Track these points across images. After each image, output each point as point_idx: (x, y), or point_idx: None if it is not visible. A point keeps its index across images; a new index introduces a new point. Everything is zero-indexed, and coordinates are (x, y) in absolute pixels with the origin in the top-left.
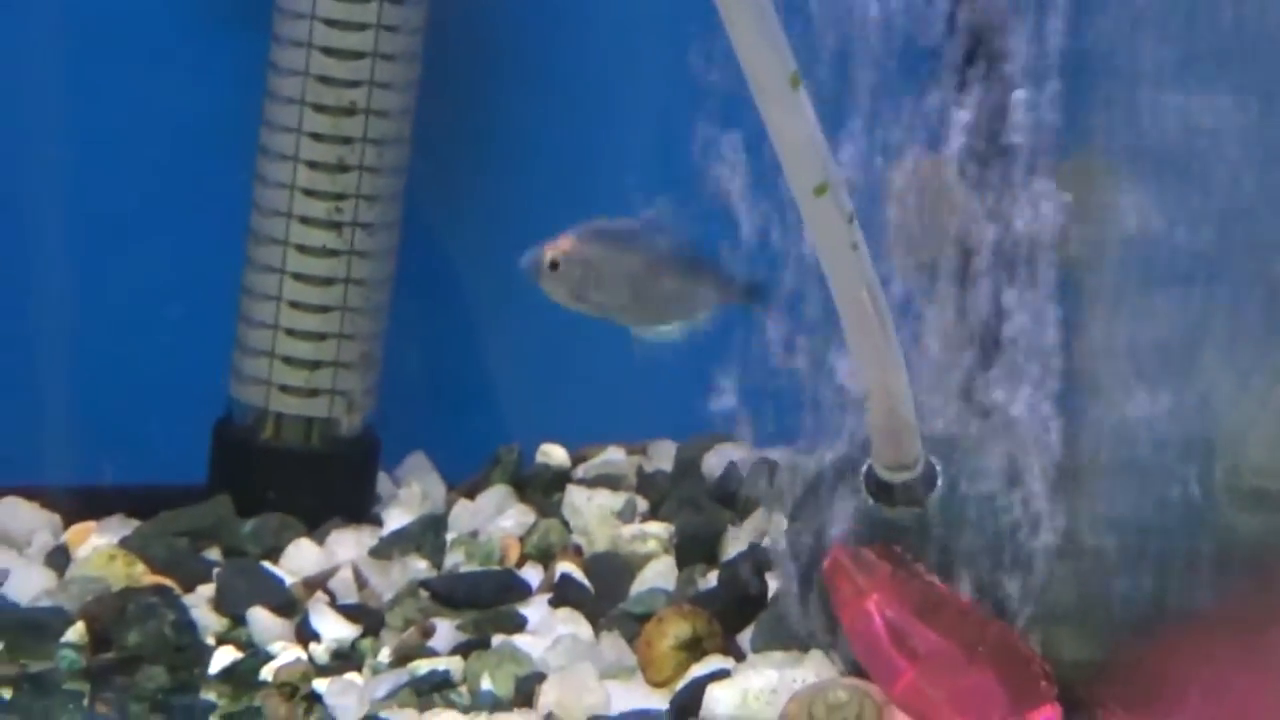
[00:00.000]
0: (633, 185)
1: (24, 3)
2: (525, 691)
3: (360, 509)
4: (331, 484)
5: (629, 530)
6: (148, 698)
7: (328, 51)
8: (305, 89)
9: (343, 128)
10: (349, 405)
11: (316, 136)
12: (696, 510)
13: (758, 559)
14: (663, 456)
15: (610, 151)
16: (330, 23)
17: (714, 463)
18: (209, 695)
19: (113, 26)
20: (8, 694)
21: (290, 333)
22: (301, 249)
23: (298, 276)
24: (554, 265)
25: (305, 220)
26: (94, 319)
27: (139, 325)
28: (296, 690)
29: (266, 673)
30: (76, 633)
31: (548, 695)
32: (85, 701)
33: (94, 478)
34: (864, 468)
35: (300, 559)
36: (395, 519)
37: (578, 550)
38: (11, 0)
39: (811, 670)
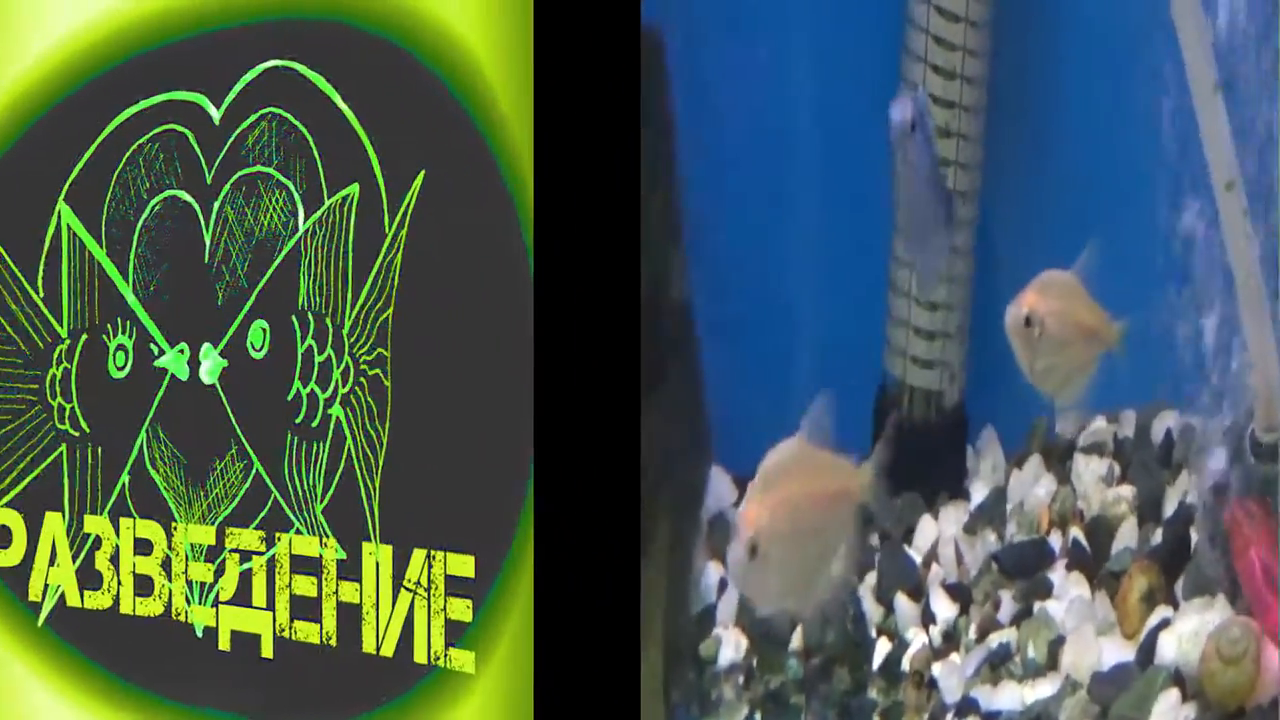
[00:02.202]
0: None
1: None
2: (1053, 655)
3: (958, 482)
4: (940, 456)
5: (1111, 494)
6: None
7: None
8: None
9: None
10: (951, 376)
11: None
12: (1149, 474)
13: (1192, 517)
14: (1126, 424)
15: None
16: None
17: (1156, 429)
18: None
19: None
20: None
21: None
22: None
23: None
24: None
25: None
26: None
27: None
28: (923, 678)
29: (905, 661)
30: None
31: (1066, 658)
32: None
33: None
34: (1248, 431)
35: (923, 537)
36: (978, 492)
37: (1080, 515)
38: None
39: (1219, 613)
